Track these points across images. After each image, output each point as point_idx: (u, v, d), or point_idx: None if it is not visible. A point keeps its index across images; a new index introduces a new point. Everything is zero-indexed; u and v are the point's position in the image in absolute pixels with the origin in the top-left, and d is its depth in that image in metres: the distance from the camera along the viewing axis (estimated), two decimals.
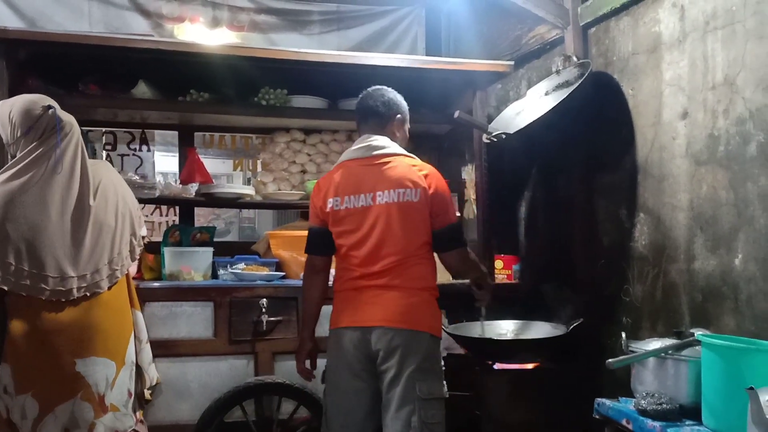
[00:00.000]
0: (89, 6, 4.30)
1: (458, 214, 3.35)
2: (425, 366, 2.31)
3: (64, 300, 2.19)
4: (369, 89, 2.58)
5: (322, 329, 2.55)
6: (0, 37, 2.86)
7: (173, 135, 4.21)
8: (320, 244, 2.52)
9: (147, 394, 2.52)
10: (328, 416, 2.42)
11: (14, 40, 2.90)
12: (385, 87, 2.59)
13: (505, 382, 2.81)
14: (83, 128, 2.46)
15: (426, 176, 2.40)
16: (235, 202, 3.63)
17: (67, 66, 3.22)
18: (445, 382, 2.41)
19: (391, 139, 2.50)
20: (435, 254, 2.48)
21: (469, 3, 4.21)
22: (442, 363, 2.45)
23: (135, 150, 4.78)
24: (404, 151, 2.50)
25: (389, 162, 2.42)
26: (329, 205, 2.44)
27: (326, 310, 2.54)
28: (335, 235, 2.46)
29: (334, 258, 2.54)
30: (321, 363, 2.54)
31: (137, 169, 4.67)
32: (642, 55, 2.70)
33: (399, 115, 2.54)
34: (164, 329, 2.80)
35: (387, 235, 2.36)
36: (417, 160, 2.49)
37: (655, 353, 2.11)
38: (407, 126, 2.61)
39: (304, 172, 3.83)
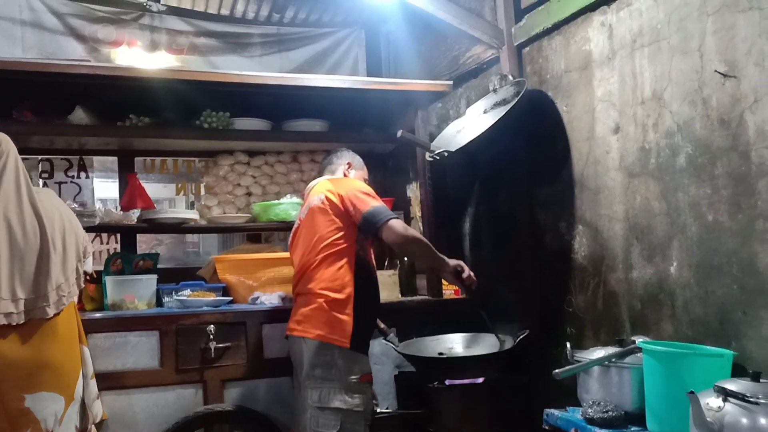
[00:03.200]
0: (22, 31, 4.19)
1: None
2: (315, 374, 2.43)
3: (15, 324, 2.10)
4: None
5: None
6: None
7: (113, 161, 4.12)
8: None
9: (93, 430, 2.44)
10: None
11: None
12: (342, 148, 3.00)
13: (455, 397, 2.82)
14: None
15: (332, 183, 2.68)
16: (179, 227, 3.57)
17: (1, 92, 3.12)
18: (358, 395, 2.42)
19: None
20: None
21: (408, 24, 4.26)
22: (351, 373, 2.44)
23: (73, 177, 4.63)
24: (332, 176, 2.81)
25: (314, 187, 2.77)
26: (289, 242, 2.83)
27: None
28: None
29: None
30: None
31: (76, 196, 4.52)
32: (574, 73, 2.79)
33: (348, 162, 2.91)
34: (108, 361, 2.72)
35: (301, 241, 2.66)
36: (335, 178, 2.80)
37: (599, 362, 2.16)
38: (358, 173, 2.90)
39: (249, 194, 3.80)
